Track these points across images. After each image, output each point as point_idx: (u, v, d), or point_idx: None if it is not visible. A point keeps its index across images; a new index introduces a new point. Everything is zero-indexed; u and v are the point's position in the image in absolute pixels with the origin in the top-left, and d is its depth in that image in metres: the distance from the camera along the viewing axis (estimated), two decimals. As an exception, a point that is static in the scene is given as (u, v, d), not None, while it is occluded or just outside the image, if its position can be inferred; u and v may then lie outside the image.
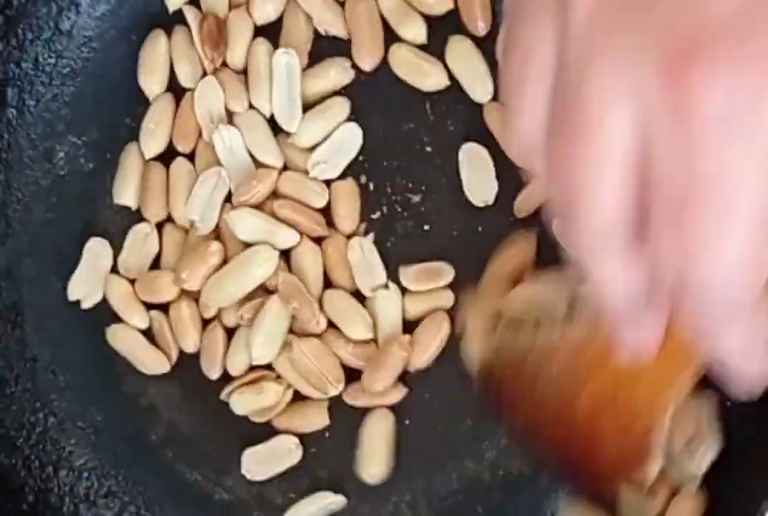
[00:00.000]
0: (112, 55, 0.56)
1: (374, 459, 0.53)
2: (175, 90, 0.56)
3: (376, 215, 0.55)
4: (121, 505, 0.55)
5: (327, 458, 0.54)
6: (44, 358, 0.56)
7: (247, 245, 0.53)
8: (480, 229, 0.54)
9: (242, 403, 0.53)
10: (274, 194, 0.54)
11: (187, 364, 0.55)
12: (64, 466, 0.55)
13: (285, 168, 0.54)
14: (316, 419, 0.54)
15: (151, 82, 0.56)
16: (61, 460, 0.55)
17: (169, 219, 0.55)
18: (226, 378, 0.54)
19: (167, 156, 0.55)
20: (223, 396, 0.54)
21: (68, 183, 0.56)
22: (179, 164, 0.55)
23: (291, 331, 0.54)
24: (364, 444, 0.53)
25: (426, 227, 0.54)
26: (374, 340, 0.54)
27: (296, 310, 0.52)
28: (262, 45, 0.55)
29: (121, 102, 0.56)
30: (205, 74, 0.55)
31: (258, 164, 0.54)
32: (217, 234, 0.54)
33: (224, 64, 0.55)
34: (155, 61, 0.56)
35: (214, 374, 0.54)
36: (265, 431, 0.54)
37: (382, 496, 0.54)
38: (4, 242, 0.56)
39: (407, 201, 0.54)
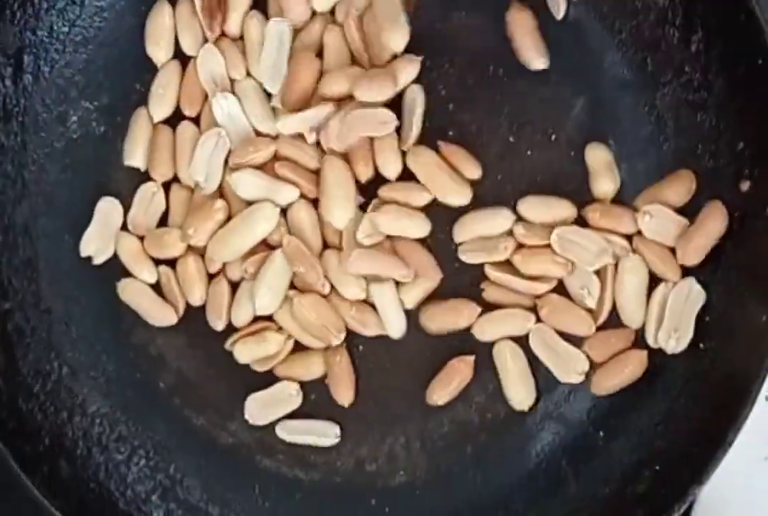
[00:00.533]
0: (121, 24, 0.57)
1: (519, 388, 0.55)
2: (182, 57, 0.57)
3: (367, 178, 0.56)
4: (132, 449, 0.57)
5: (325, 405, 0.56)
6: (58, 310, 0.57)
7: (250, 203, 0.55)
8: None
9: (245, 352, 0.55)
10: (274, 156, 0.55)
11: (194, 316, 0.56)
12: (78, 413, 0.56)
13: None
14: (316, 368, 0.56)
15: (158, 50, 0.57)
16: (75, 407, 0.56)
17: (176, 179, 0.57)
18: (230, 329, 0.56)
19: (174, 119, 0.57)
20: (227, 346, 0.55)
21: (81, 145, 0.58)
22: (185, 127, 0.57)
23: (293, 286, 0.55)
24: (502, 378, 0.55)
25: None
26: (366, 301, 0.55)
27: (302, 274, 0.54)
28: (257, 16, 0.56)
29: (130, 69, 0.57)
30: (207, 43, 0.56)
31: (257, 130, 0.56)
32: (221, 192, 0.56)
33: (224, 34, 0.56)
34: (161, 31, 0.57)
35: (219, 325, 0.56)
36: (267, 379, 0.56)
37: (378, 439, 0.56)
38: (21, 202, 0.57)
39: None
